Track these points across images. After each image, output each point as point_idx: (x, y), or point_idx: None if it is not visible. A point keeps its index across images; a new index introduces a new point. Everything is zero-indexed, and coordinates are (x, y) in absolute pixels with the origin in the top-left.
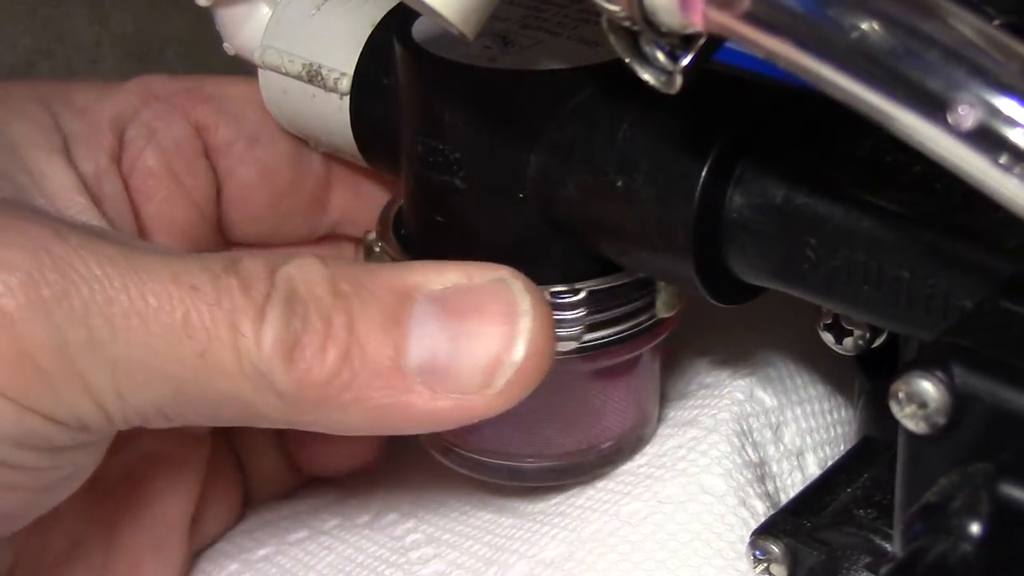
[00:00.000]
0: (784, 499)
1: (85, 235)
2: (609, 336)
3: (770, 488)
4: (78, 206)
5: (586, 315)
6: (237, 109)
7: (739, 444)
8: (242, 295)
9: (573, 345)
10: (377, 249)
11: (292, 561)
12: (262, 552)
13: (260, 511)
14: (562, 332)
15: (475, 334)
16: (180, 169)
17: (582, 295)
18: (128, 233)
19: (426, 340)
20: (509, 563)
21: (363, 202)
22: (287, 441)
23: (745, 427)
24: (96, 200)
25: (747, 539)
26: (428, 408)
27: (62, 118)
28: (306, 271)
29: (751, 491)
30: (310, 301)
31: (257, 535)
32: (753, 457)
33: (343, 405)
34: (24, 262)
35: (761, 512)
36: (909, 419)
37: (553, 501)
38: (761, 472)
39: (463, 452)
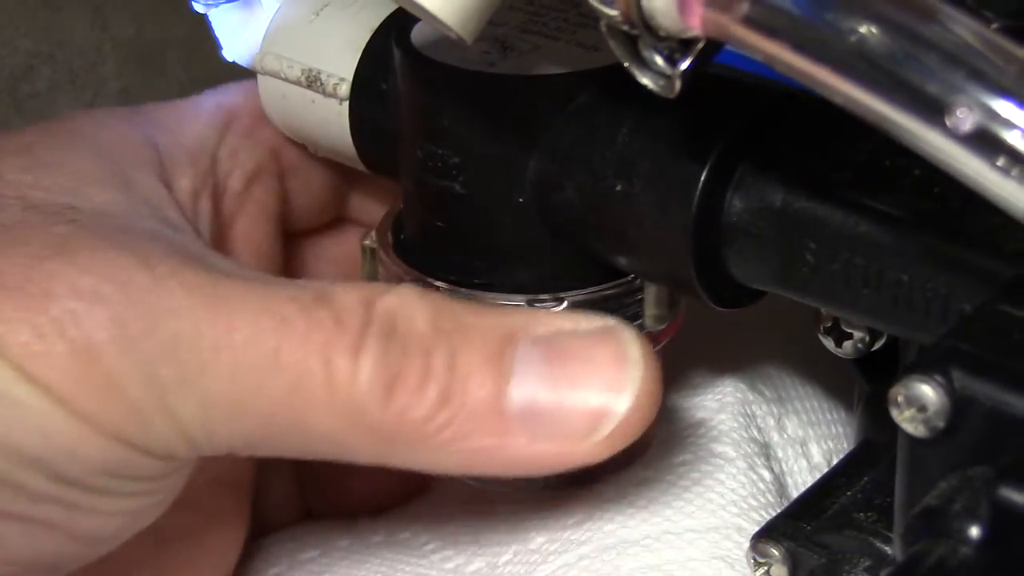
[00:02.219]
0: (789, 483)
1: (171, 263)
2: None
3: (776, 470)
4: (174, 222)
5: None
6: None
7: (744, 423)
8: (335, 328)
9: None
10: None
11: (308, 574)
12: (274, 571)
13: (260, 540)
14: None
15: (580, 380)
16: (257, 190)
17: (563, 305)
18: (216, 253)
19: (529, 383)
20: (529, 537)
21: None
22: (303, 479)
23: (749, 411)
24: (191, 219)
25: (757, 498)
26: (526, 453)
27: (155, 139)
28: (406, 305)
29: (758, 461)
30: (410, 336)
31: (264, 557)
32: (759, 437)
33: (440, 445)
34: (113, 293)
35: (768, 480)
36: (908, 423)
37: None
38: (767, 452)
39: None
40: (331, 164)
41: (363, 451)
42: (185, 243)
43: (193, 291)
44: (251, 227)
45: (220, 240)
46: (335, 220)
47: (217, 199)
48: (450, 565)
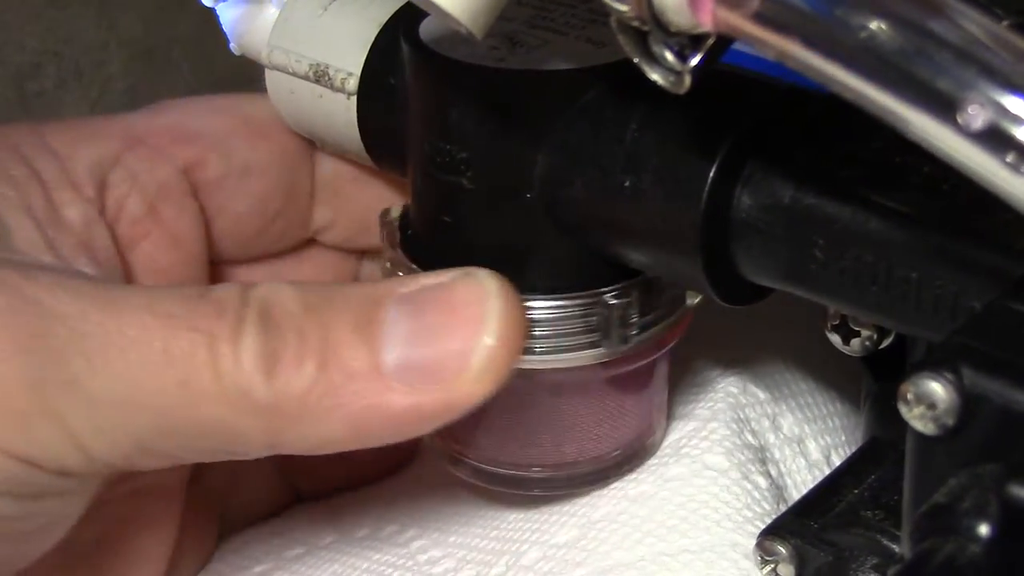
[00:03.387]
0: (788, 484)
1: (55, 275)
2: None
3: (773, 472)
4: (52, 266)
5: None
6: (224, 143)
7: (738, 429)
8: (217, 318)
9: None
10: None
11: (292, 574)
12: (258, 569)
13: (245, 533)
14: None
15: (446, 325)
16: (166, 213)
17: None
18: (113, 280)
19: (399, 339)
20: (521, 551)
21: (342, 212)
22: (282, 464)
23: (742, 416)
24: (86, 249)
25: (752, 508)
26: (408, 405)
27: (39, 166)
28: (277, 290)
29: (753, 468)
30: (283, 317)
31: (250, 554)
32: (753, 441)
33: (324, 414)
34: None
35: (764, 487)
36: (918, 420)
37: (559, 494)
38: (762, 456)
39: (472, 462)
40: (274, 180)
41: (254, 436)
42: (63, 267)
43: (80, 295)
44: (156, 252)
45: (122, 268)
46: (301, 244)
47: (114, 224)
48: (438, 570)
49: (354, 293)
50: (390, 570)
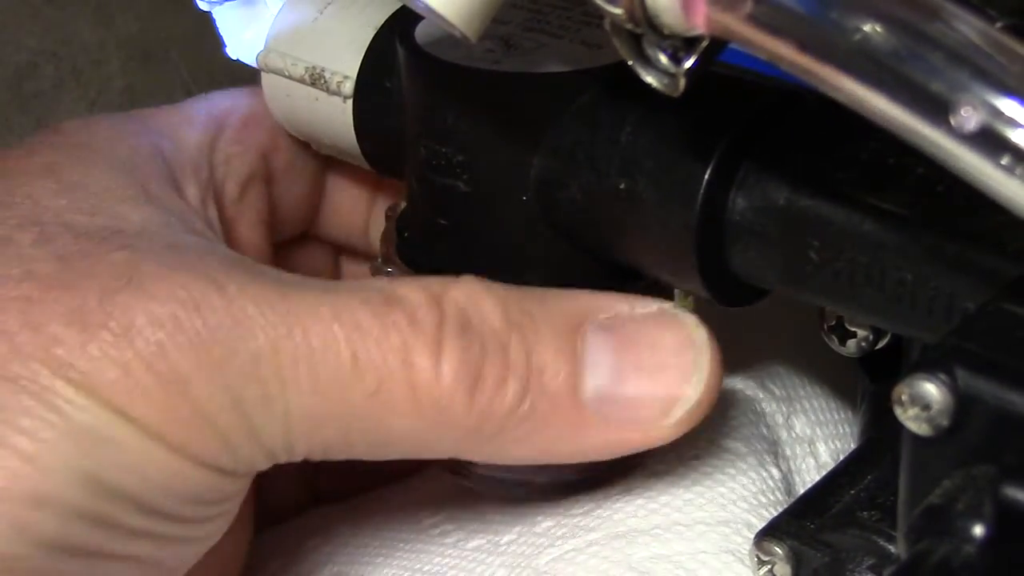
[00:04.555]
0: (797, 482)
1: (238, 280)
2: None
3: (783, 468)
4: (204, 234)
5: None
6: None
7: (754, 419)
8: (410, 328)
9: None
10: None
11: (310, 564)
12: (277, 563)
13: (264, 533)
14: None
15: (653, 369)
16: (253, 197)
17: None
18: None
19: (601, 372)
20: (535, 520)
21: (343, 206)
22: (308, 466)
23: (759, 409)
24: (210, 226)
25: (766, 495)
26: (602, 440)
27: (161, 148)
28: (475, 298)
29: (767, 459)
30: (485, 330)
31: (268, 549)
32: (768, 435)
33: (520, 438)
34: (190, 320)
35: (777, 478)
36: (912, 421)
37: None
38: (775, 451)
39: (475, 471)
40: (312, 171)
41: (444, 449)
42: (231, 254)
43: (265, 307)
44: (250, 234)
45: (230, 245)
46: (299, 236)
47: (219, 207)
48: (449, 540)
49: (553, 311)
50: (401, 544)
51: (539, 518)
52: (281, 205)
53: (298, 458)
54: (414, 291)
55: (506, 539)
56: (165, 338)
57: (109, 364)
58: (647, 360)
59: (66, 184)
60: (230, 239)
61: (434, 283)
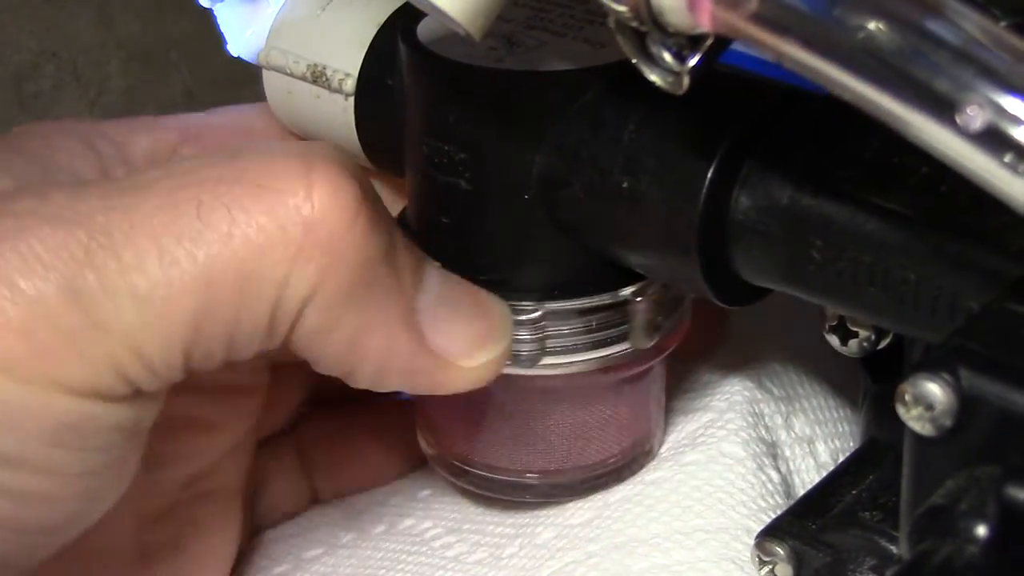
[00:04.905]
0: (796, 483)
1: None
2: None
3: (783, 470)
4: None
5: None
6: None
7: (753, 423)
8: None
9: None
10: None
11: (312, 574)
12: (278, 570)
13: (264, 535)
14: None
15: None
16: None
17: (538, 313)
18: None
19: (429, 290)
20: (536, 532)
21: None
22: (306, 463)
23: (757, 410)
24: None
25: (765, 499)
26: (418, 350)
27: (98, 145)
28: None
29: (766, 461)
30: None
31: (270, 554)
32: (766, 436)
33: (364, 305)
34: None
35: (776, 481)
36: (915, 421)
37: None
38: (774, 452)
39: (472, 470)
40: None
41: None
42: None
43: (103, 192)
44: None
45: None
46: None
47: None
48: (451, 553)
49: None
50: (404, 556)
51: (539, 529)
52: None
53: (173, 356)
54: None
55: (507, 552)
56: None
57: None
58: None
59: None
60: None
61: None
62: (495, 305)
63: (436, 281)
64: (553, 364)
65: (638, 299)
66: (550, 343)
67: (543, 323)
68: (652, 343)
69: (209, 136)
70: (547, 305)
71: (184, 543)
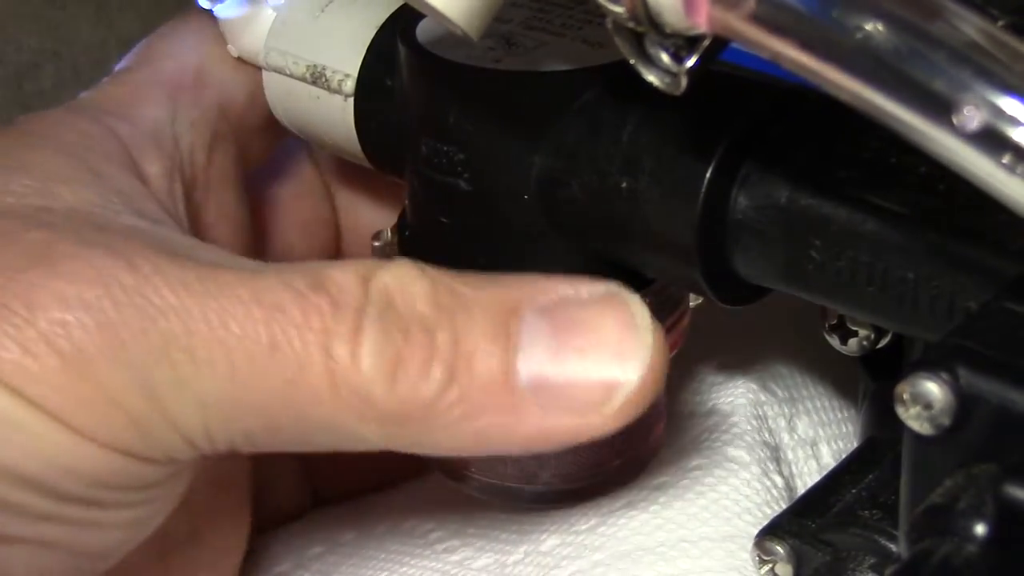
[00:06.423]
0: (799, 486)
1: (155, 260)
2: None
3: (785, 472)
4: (150, 213)
5: None
6: (234, 79)
7: (757, 426)
8: (332, 313)
9: None
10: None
11: (313, 573)
12: (279, 569)
13: (266, 535)
14: None
15: (590, 350)
16: (219, 158)
17: None
18: (200, 242)
19: (537, 356)
20: (541, 539)
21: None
22: (309, 464)
23: (760, 413)
24: (168, 204)
25: (771, 505)
26: (538, 428)
27: (116, 129)
28: (404, 281)
29: (770, 466)
30: (409, 315)
31: (272, 554)
32: (770, 440)
33: (450, 424)
34: (98, 299)
35: (780, 486)
36: (914, 420)
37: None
38: (777, 455)
39: (473, 475)
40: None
41: (372, 438)
42: (165, 235)
43: (179, 288)
44: (223, 197)
45: (199, 218)
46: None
47: (187, 177)
48: (455, 557)
49: (488, 295)
50: (407, 559)
51: (544, 536)
52: (249, 155)
53: (222, 448)
54: (344, 273)
55: (512, 559)
56: (70, 318)
57: (10, 344)
58: (586, 344)
59: (3, 167)
60: (204, 207)
61: (367, 265)
62: (620, 318)
63: (537, 329)
64: None
65: None
66: None
67: None
68: None
69: (185, 83)
70: None
71: (198, 534)
